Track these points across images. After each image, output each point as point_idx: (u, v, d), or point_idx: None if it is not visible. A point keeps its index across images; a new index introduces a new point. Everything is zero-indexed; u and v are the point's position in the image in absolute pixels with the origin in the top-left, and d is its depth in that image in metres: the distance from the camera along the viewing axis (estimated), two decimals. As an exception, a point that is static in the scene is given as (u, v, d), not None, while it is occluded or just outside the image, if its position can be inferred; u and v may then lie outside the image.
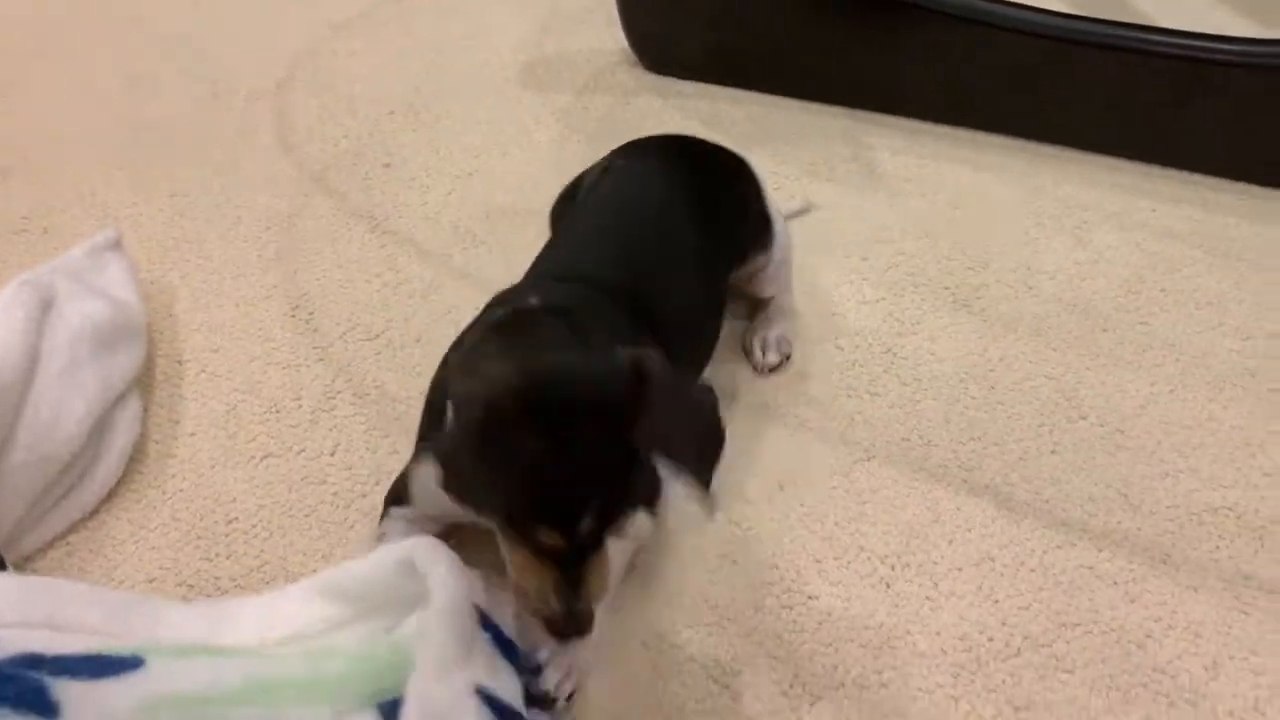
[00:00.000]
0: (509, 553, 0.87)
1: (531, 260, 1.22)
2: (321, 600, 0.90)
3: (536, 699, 0.92)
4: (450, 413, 0.88)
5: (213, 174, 1.65)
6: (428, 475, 0.89)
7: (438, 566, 0.82)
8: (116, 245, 1.31)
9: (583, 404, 0.81)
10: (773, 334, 1.35)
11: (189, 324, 1.35)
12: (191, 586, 1.05)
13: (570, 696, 0.94)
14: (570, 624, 0.85)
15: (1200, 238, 1.61)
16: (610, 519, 0.85)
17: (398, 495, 1.04)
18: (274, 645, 0.86)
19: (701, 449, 0.86)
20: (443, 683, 0.74)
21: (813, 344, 1.38)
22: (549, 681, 0.93)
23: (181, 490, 1.14)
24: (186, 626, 0.89)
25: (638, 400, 0.82)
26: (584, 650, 0.95)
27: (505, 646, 0.82)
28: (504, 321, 0.94)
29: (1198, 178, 1.74)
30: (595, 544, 0.85)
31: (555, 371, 0.83)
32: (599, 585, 0.87)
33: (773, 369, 1.33)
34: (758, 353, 1.34)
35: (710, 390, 0.93)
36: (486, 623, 0.81)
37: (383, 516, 1.05)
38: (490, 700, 0.76)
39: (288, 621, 0.89)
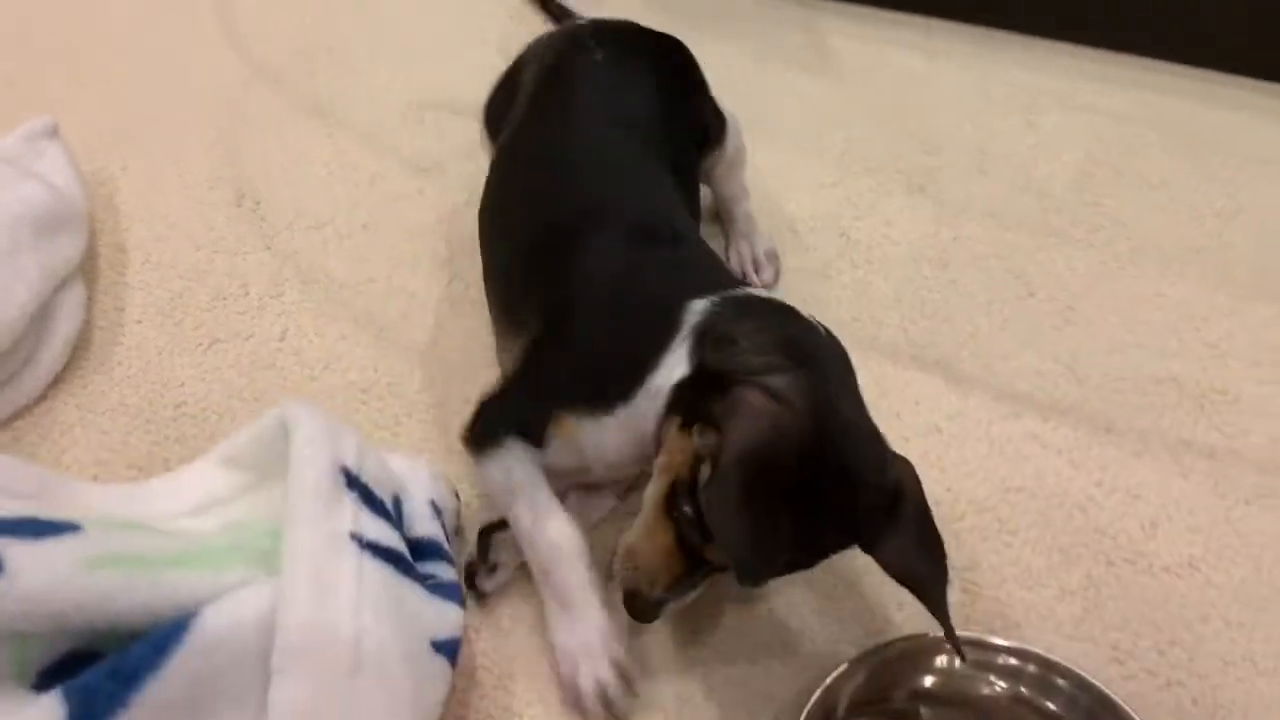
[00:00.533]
0: (656, 525, 0.84)
1: (482, 151, 1.20)
2: (223, 470, 0.91)
3: (471, 586, 0.93)
4: (726, 427, 0.78)
5: (152, 63, 1.60)
6: (598, 433, 0.89)
7: (299, 428, 0.81)
8: (53, 132, 1.28)
9: (848, 489, 0.79)
10: (759, 249, 1.31)
11: (131, 214, 1.32)
12: (141, 469, 1.04)
13: (629, 683, 0.89)
14: (650, 612, 0.84)
15: (1153, 121, 1.61)
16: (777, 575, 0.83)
17: (523, 427, 0.93)
18: (187, 514, 0.87)
19: (939, 579, 0.82)
20: (312, 530, 0.75)
21: (767, 228, 1.37)
22: (492, 583, 0.94)
23: (129, 376, 1.13)
24: (104, 501, 0.90)
25: (891, 511, 0.81)
26: (597, 635, 0.88)
27: (375, 505, 0.82)
28: (784, 340, 0.86)
29: (1151, 62, 1.74)
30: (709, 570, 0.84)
31: (843, 445, 0.80)
32: (694, 597, 0.86)
33: (770, 286, 1.28)
34: (751, 273, 1.29)
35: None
36: (353, 482, 0.81)
37: (493, 439, 0.93)
38: (368, 545, 0.77)
39: (193, 491, 0.90)
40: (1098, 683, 0.83)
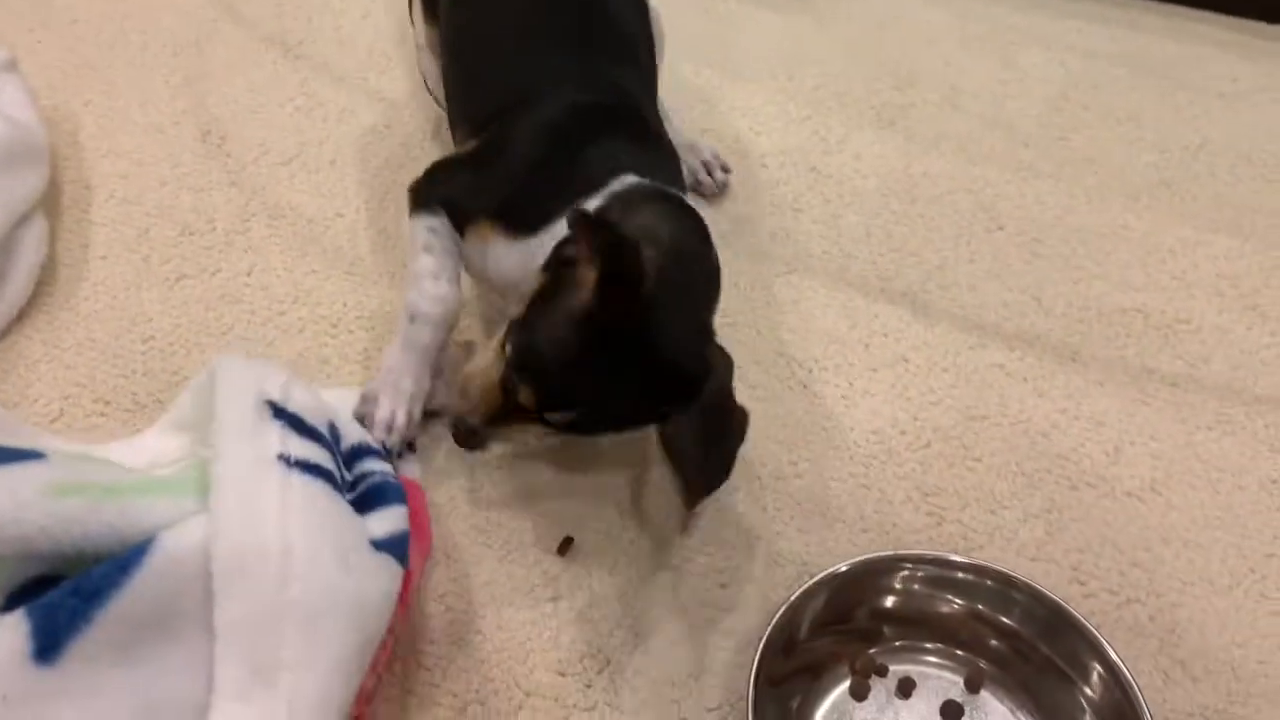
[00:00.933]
0: (491, 360, 0.89)
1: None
2: (172, 434, 0.93)
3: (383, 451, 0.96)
4: (579, 235, 0.84)
5: (114, 0, 1.57)
6: (503, 250, 0.98)
7: (220, 371, 0.83)
8: (11, 66, 1.25)
9: (663, 351, 0.84)
10: (705, 153, 1.32)
11: (95, 150, 1.31)
12: (109, 403, 1.04)
13: (411, 444, 0.99)
14: (469, 439, 0.90)
15: (1124, 56, 1.61)
16: (577, 430, 0.89)
17: (453, 208, 1.02)
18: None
19: (709, 468, 0.88)
20: (236, 458, 0.76)
21: (738, 161, 1.37)
22: (377, 436, 0.96)
23: (95, 311, 1.12)
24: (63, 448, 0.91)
25: (691, 386, 0.84)
26: (413, 385, 0.99)
27: (305, 431, 0.83)
28: (671, 233, 0.91)
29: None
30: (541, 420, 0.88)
31: (662, 324, 0.84)
32: (515, 438, 0.95)
33: (723, 188, 1.31)
34: (705, 177, 1.30)
35: (746, 417, 0.90)
36: (280, 413, 0.82)
37: (432, 203, 1.02)
38: (297, 463, 0.78)
39: (148, 451, 0.92)
40: (1054, 595, 0.85)
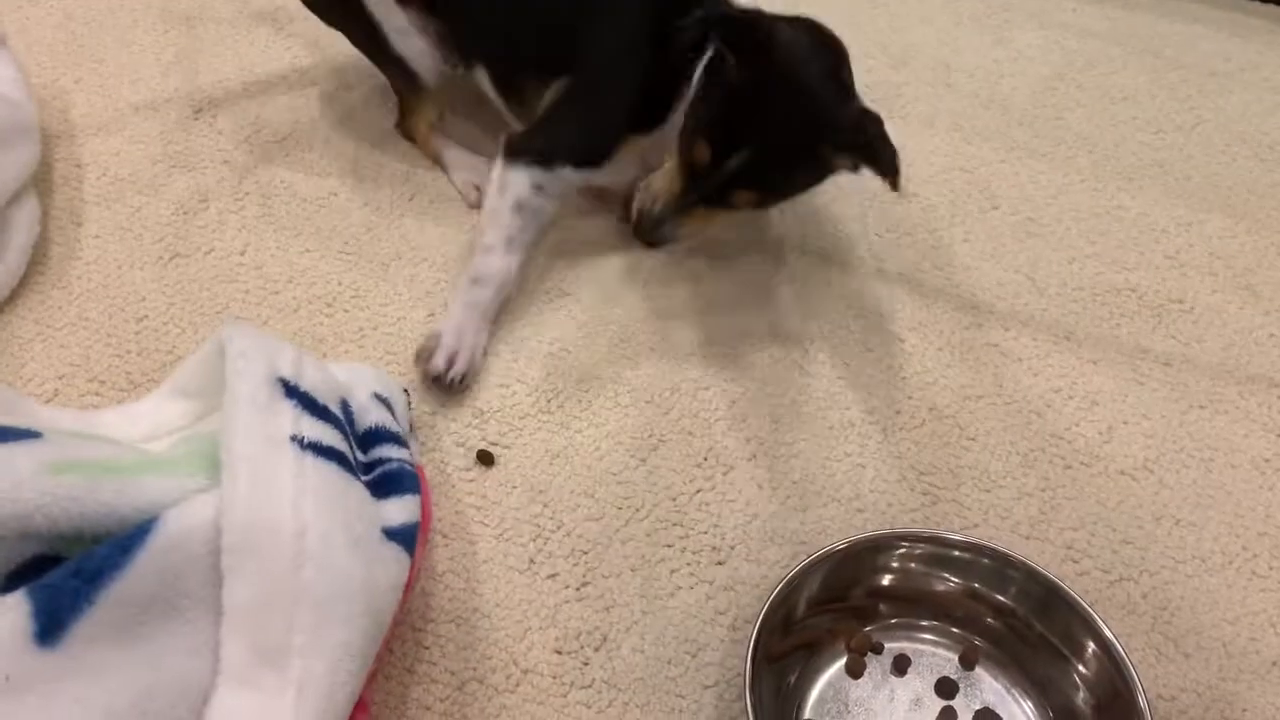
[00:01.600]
0: (673, 168, 1.07)
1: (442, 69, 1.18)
2: (174, 400, 0.91)
3: (434, 380, 1.04)
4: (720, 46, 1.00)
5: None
6: (655, 144, 1.11)
7: (232, 343, 0.81)
8: (1, 43, 1.24)
9: (806, 94, 1.00)
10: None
11: (86, 128, 1.30)
12: (103, 382, 1.04)
13: (463, 379, 1.05)
14: (656, 232, 1.12)
15: (1119, 35, 1.61)
16: (753, 183, 1.04)
17: (586, 154, 1.11)
18: (139, 442, 0.87)
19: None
20: (248, 435, 0.75)
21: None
22: (436, 366, 1.04)
23: (88, 290, 1.12)
24: (58, 421, 0.91)
25: (839, 125, 1.01)
26: (473, 336, 1.07)
27: (317, 410, 0.83)
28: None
29: (1119, -23, 1.73)
30: (721, 197, 1.05)
31: (805, 57, 1.02)
32: (696, 227, 1.12)
33: None
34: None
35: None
36: (292, 391, 0.81)
37: (547, 160, 1.09)
38: (310, 445, 0.77)
39: (146, 420, 0.91)
40: (1049, 572, 0.85)
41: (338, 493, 0.76)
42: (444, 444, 1.01)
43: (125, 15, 1.48)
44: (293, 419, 0.79)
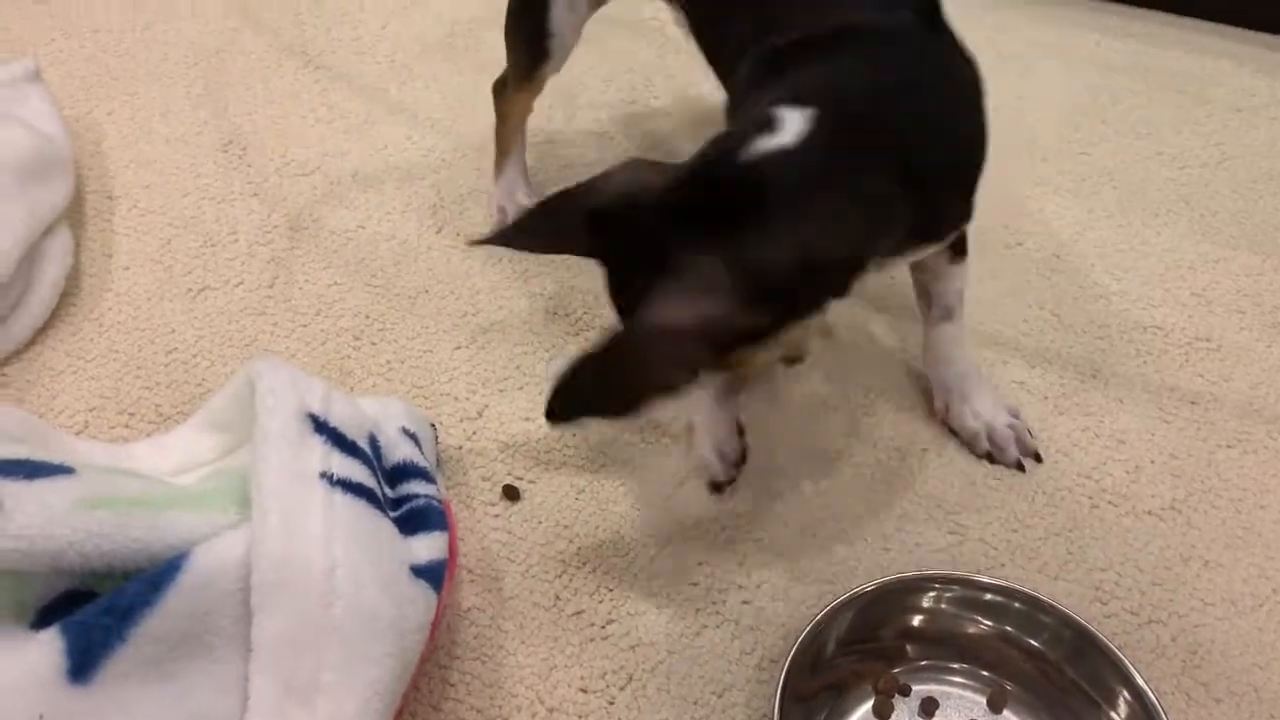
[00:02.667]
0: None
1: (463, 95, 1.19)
2: (205, 433, 0.92)
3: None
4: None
5: (136, 9, 1.58)
6: None
7: (262, 379, 0.82)
8: (35, 76, 1.26)
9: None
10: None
11: (118, 160, 1.31)
12: (133, 414, 1.04)
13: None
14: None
15: (1142, 71, 1.61)
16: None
17: None
18: (169, 475, 0.88)
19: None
20: (280, 471, 0.75)
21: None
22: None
23: (118, 322, 1.13)
24: (90, 454, 0.92)
25: None
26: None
27: (347, 447, 0.83)
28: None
29: (1143, 12, 1.74)
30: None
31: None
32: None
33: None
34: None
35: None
36: (321, 427, 0.82)
37: None
38: (339, 482, 0.78)
39: (177, 453, 0.92)
40: (1081, 618, 0.85)
41: (367, 530, 0.77)
42: (470, 479, 1.01)
43: (156, 49, 1.51)
44: (322, 455, 0.79)
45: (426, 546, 0.83)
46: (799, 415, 1.09)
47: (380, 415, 0.93)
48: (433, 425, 1.01)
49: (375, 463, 0.86)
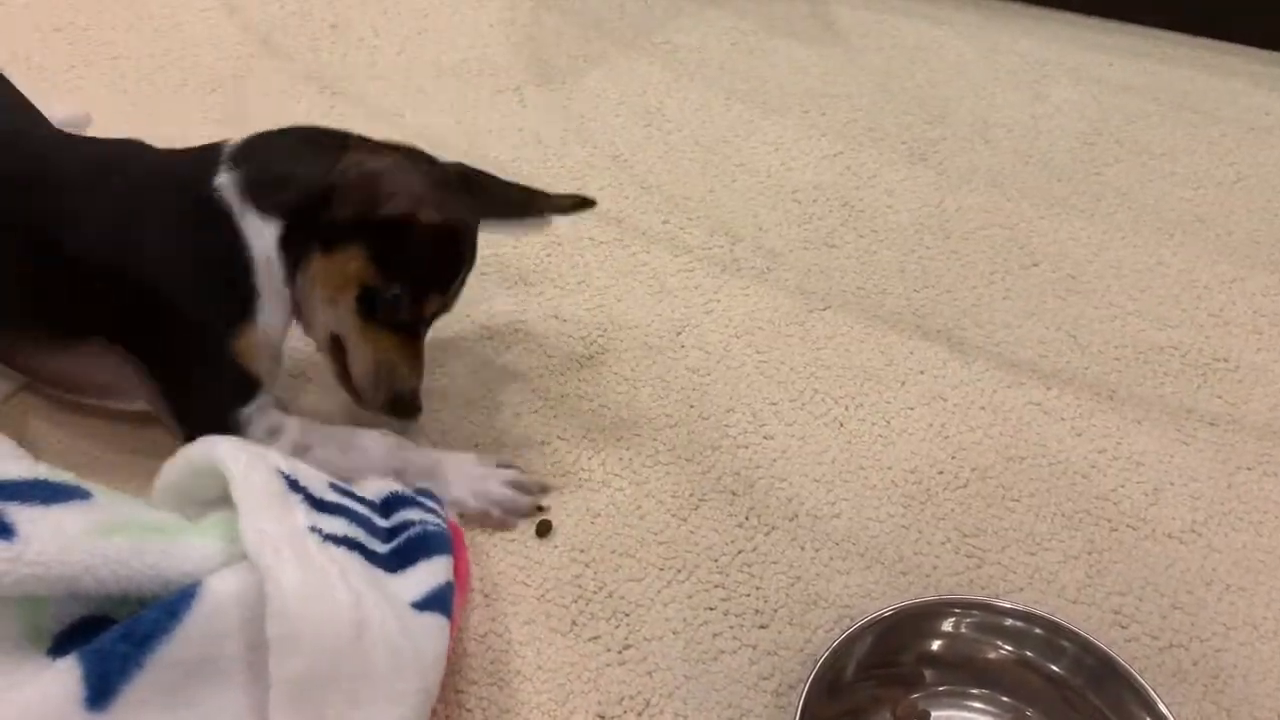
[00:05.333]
0: (371, 338, 0.96)
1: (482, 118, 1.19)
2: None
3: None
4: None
5: (154, 36, 1.60)
6: (267, 331, 0.96)
7: (220, 446, 0.79)
8: (88, 122, 1.28)
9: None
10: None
11: (136, 186, 1.32)
12: (134, 451, 1.05)
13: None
14: (413, 406, 1.00)
15: (1156, 90, 1.61)
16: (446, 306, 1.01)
17: (236, 394, 0.95)
18: None
19: None
20: (277, 523, 0.74)
21: (770, 198, 1.38)
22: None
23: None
24: None
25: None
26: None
27: (326, 507, 0.81)
28: (301, 141, 1.02)
29: (1156, 32, 1.74)
30: (427, 326, 1.00)
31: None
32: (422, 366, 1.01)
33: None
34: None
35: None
36: (295, 485, 0.80)
37: (230, 427, 0.93)
38: (328, 537, 0.77)
39: None
40: (1102, 644, 0.84)
41: (370, 576, 0.77)
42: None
43: (175, 74, 1.52)
44: (304, 513, 0.78)
45: (427, 574, 0.82)
46: (813, 437, 1.08)
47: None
48: None
49: (351, 509, 0.85)
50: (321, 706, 0.69)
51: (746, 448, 1.07)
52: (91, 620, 0.75)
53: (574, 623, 0.93)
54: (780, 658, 0.91)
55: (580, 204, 1.05)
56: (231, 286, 0.94)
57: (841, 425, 1.10)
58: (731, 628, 0.93)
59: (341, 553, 0.76)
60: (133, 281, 0.93)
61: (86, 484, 0.83)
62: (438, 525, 0.88)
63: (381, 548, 0.84)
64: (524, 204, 1.02)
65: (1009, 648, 0.87)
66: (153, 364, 0.95)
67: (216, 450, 0.79)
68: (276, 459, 0.82)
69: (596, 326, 1.19)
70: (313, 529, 0.76)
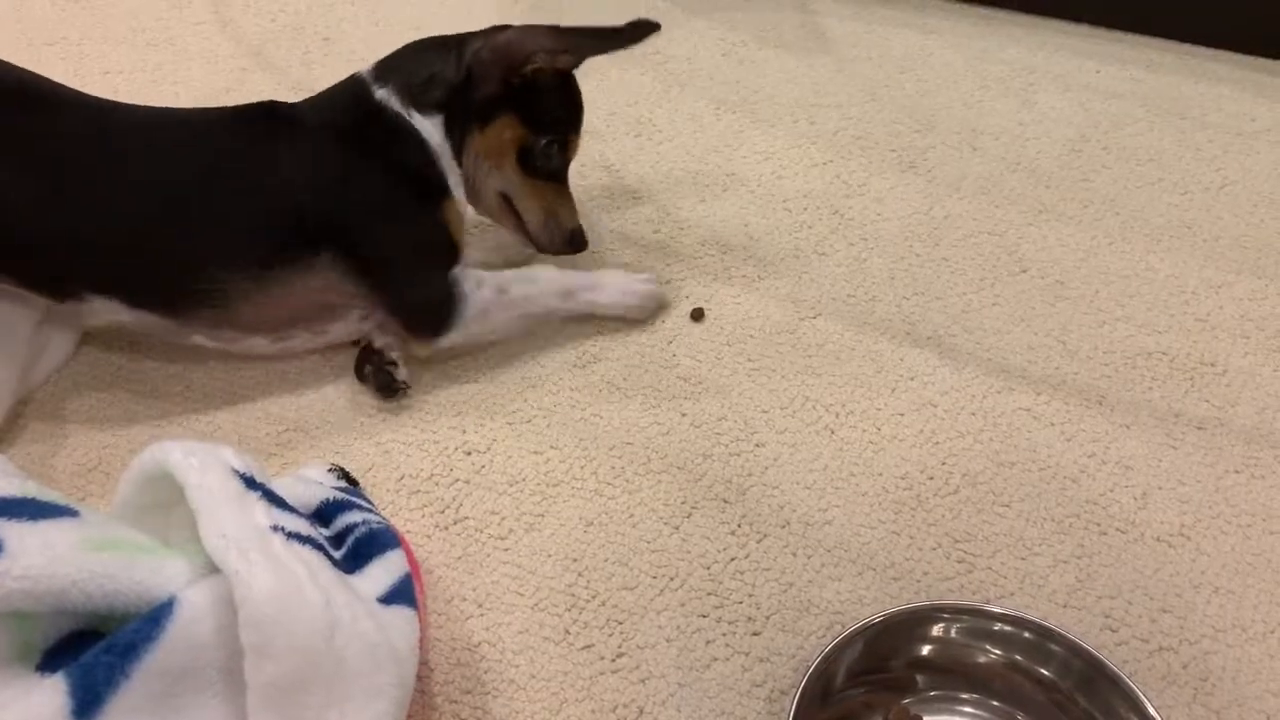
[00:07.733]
0: (535, 190, 1.16)
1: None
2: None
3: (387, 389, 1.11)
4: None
5: (146, 50, 1.60)
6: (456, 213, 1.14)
7: (174, 450, 0.78)
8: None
9: None
10: None
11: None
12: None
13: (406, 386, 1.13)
14: (583, 239, 1.20)
15: (1143, 97, 1.62)
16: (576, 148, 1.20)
17: (447, 266, 1.11)
18: None
19: None
20: (239, 522, 0.73)
21: (761, 207, 1.38)
22: (401, 374, 1.12)
23: (133, 357, 1.14)
24: None
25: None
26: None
27: (279, 502, 0.81)
28: (434, 43, 1.18)
29: (1143, 39, 1.75)
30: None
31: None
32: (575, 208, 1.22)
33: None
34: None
35: None
36: (252, 483, 0.79)
37: (451, 299, 1.11)
38: (292, 535, 0.76)
39: None
40: (1091, 647, 0.85)
41: (336, 574, 0.77)
42: (477, 512, 1.02)
43: (167, 89, 1.53)
44: (264, 510, 0.77)
45: (383, 570, 0.82)
46: (804, 444, 1.09)
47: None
48: (338, 468, 1.01)
49: (303, 512, 0.85)
50: (300, 708, 0.69)
51: (738, 455, 1.08)
52: (82, 635, 0.75)
53: (567, 631, 0.93)
54: (773, 664, 0.91)
55: (649, 28, 1.13)
56: (429, 171, 1.11)
57: (832, 432, 1.11)
58: (724, 635, 0.93)
59: (308, 551, 0.76)
60: (356, 189, 1.08)
61: (74, 505, 0.83)
62: (380, 522, 0.89)
63: (335, 553, 0.85)
64: (617, 36, 1.12)
65: (999, 652, 0.88)
66: (377, 255, 1.09)
67: (170, 457, 0.78)
68: (230, 456, 0.80)
69: (587, 339, 1.19)
70: (275, 527, 0.76)
